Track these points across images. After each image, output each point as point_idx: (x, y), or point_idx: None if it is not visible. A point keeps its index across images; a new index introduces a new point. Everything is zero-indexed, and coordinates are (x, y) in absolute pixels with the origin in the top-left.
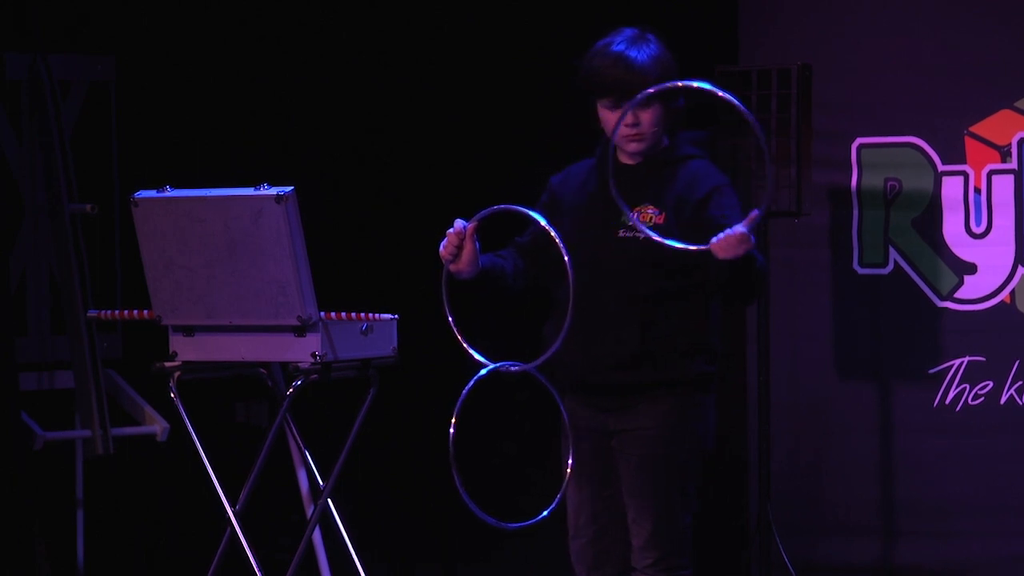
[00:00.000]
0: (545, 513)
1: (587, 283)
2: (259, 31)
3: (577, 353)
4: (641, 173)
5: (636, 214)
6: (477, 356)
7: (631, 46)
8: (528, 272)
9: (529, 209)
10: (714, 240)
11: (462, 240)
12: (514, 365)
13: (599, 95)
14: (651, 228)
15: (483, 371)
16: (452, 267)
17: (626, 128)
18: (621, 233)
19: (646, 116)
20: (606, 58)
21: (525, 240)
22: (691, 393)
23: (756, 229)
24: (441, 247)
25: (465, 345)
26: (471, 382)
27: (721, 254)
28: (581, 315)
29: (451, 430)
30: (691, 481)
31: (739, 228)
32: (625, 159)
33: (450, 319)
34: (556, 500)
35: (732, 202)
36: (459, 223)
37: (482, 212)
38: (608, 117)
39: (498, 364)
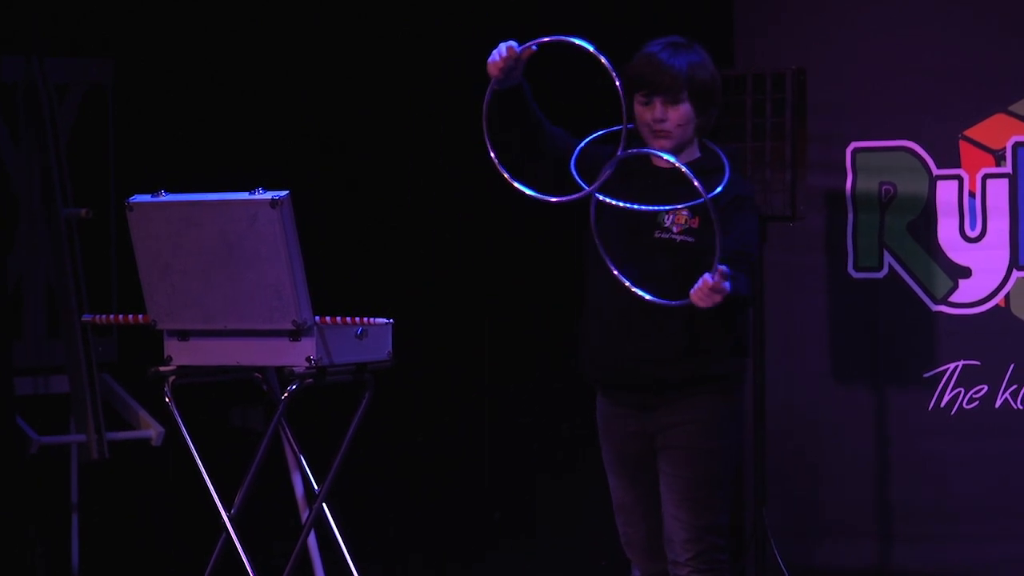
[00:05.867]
0: None
1: (620, 283)
2: (256, 36)
3: (618, 352)
4: (675, 177)
5: (671, 216)
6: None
7: (671, 50)
8: (547, 144)
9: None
10: (692, 291)
11: (517, 62)
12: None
13: (634, 89)
14: (685, 231)
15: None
16: (495, 80)
17: (652, 122)
18: (657, 234)
19: (673, 113)
20: (644, 55)
21: (563, 140)
22: (730, 389)
23: (728, 276)
24: (493, 59)
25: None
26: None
27: (700, 304)
28: (621, 315)
29: None
30: (729, 475)
31: (708, 278)
32: (660, 163)
33: (495, 158)
34: None
35: (749, 225)
36: (514, 43)
37: (544, 39)
38: (640, 112)
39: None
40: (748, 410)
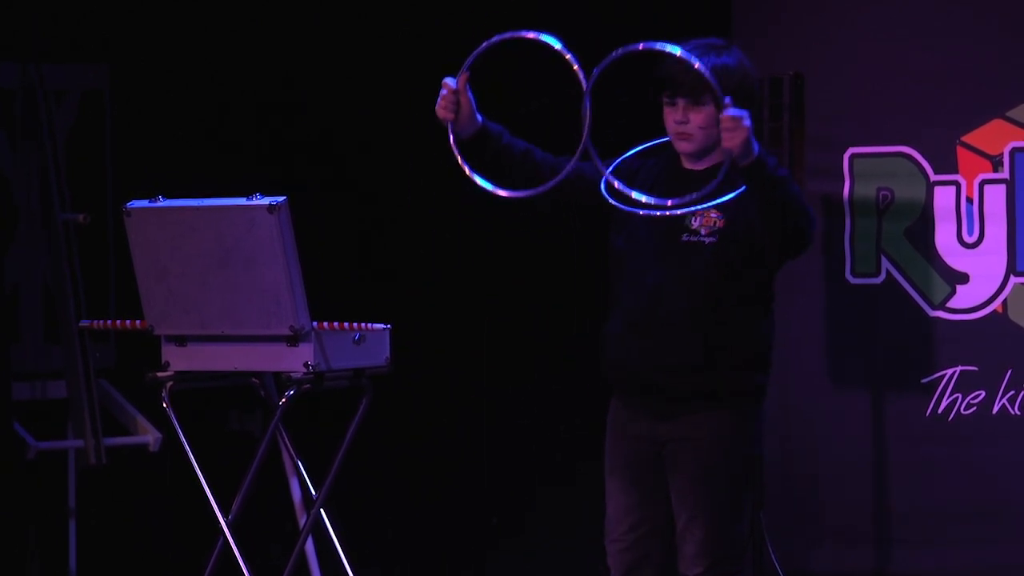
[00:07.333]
0: None
1: (651, 286)
2: (252, 41)
3: (638, 356)
4: (705, 179)
5: (699, 217)
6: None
7: (700, 51)
8: (539, 172)
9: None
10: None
11: (457, 95)
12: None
13: (660, 88)
14: (713, 232)
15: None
16: (450, 122)
17: (674, 124)
18: (684, 238)
19: (695, 117)
20: (673, 56)
21: (565, 165)
22: (748, 405)
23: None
24: (437, 106)
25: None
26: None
27: (732, 142)
28: (644, 318)
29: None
30: (745, 490)
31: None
32: (689, 164)
33: (467, 167)
34: None
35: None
36: (449, 79)
37: (471, 56)
38: (666, 113)
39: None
40: (763, 423)
